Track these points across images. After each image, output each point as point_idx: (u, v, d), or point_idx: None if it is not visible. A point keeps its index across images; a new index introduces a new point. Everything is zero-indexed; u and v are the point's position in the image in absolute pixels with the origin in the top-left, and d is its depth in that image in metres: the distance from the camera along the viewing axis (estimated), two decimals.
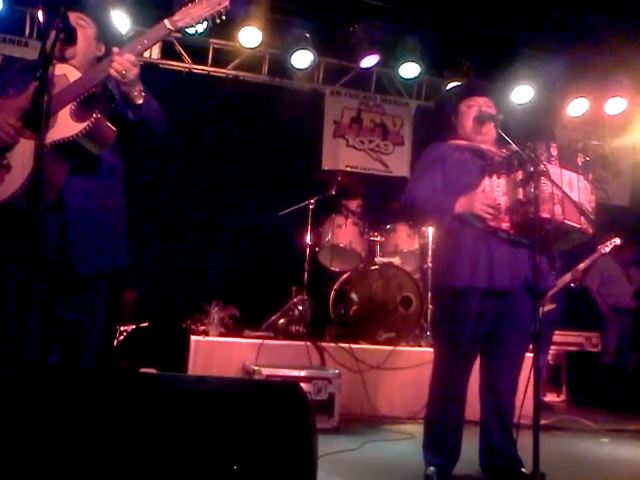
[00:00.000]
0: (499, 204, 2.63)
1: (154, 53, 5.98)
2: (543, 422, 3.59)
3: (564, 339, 6.16)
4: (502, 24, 5.78)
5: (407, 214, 3.22)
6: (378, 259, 5.21)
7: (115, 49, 2.14)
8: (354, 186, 5.54)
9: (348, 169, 6.42)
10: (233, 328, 4.70)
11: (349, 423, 4.04)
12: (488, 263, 2.66)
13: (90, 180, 2.25)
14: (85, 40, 2.28)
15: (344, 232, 5.24)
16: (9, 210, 2.09)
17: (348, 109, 6.69)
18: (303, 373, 3.90)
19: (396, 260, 5.13)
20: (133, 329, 4.67)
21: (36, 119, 1.92)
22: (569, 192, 2.57)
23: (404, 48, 6.09)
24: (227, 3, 2.14)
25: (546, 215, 2.50)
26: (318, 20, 5.89)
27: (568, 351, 6.19)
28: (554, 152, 2.60)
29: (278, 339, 4.60)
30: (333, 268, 5.39)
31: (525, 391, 2.53)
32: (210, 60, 6.23)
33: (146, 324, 4.78)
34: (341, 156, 6.60)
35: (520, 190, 2.58)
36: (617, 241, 5.45)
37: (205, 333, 4.44)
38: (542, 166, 2.51)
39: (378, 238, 5.39)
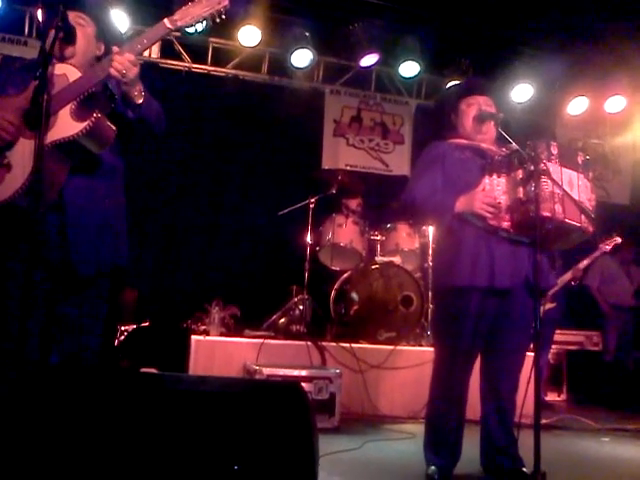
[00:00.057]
0: (499, 203, 2.63)
1: (153, 52, 5.98)
2: (544, 421, 3.59)
3: (565, 338, 6.16)
4: (502, 23, 5.78)
5: (407, 213, 3.22)
6: (379, 258, 5.21)
7: (115, 48, 2.14)
8: (354, 185, 5.54)
9: (348, 168, 6.41)
10: (234, 328, 4.69)
11: (350, 423, 4.03)
12: (488, 262, 2.65)
13: (90, 180, 2.25)
14: (85, 39, 2.28)
15: (344, 231, 5.23)
16: (9, 210, 2.08)
17: (348, 108, 6.69)
18: (304, 373, 3.90)
19: (397, 259, 5.13)
20: (134, 329, 4.67)
21: (36, 119, 1.92)
22: (569, 191, 2.57)
23: (404, 47, 6.09)
24: (227, 2, 2.14)
25: (546, 214, 2.50)
26: (318, 19, 5.88)
27: (569, 350, 6.19)
28: (554, 151, 2.60)
29: (279, 339, 4.60)
30: (334, 267, 5.38)
31: (526, 390, 2.53)
32: (210, 59, 6.23)
33: (147, 324, 4.77)
34: (341, 155, 6.60)
35: (520, 189, 2.58)
36: (617, 239, 5.45)
37: (206, 333, 4.44)
38: (542, 165, 2.51)
39: (378, 237, 5.38)
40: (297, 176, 5.94)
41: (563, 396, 6.00)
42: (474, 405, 2.85)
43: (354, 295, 4.93)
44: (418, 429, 3.20)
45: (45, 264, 2.14)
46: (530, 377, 2.40)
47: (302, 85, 6.46)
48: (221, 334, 4.47)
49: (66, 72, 2.14)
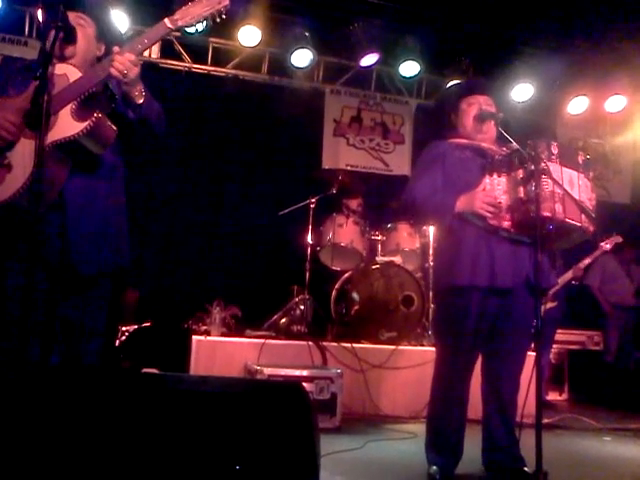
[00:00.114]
0: (500, 203, 2.63)
1: (153, 52, 5.99)
2: (545, 421, 3.60)
3: (566, 338, 6.16)
4: (502, 22, 5.78)
5: (408, 213, 3.22)
6: (379, 258, 5.21)
7: (116, 48, 2.14)
8: (355, 185, 5.54)
9: (348, 168, 6.42)
10: (235, 328, 4.69)
11: (351, 422, 4.03)
12: (489, 262, 2.65)
13: (91, 180, 2.25)
14: (85, 39, 2.28)
15: (345, 231, 5.23)
16: (10, 210, 2.08)
17: (348, 108, 6.69)
18: (305, 373, 3.89)
19: (397, 259, 5.13)
20: (135, 329, 4.67)
21: (36, 119, 1.92)
22: (570, 190, 2.57)
23: (404, 46, 6.09)
24: (227, 2, 2.14)
25: (547, 214, 2.49)
26: (318, 19, 5.88)
27: (570, 350, 6.19)
28: (555, 150, 2.60)
29: (280, 339, 4.60)
30: (334, 267, 5.39)
31: (527, 390, 2.52)
32: (210, 59, 6.23)
33: (148, 324, 4.77)
34: (341, 155, 6.60)
35: (521, 188, 2.58)
36: (618, 239, 5.45)
37: (207, 333, 4.44)
38: (543, 164, 2.50)
39: (379, 237, 5.38)
40: (297, 176, 5.94)
41: (564, 396, 5.99)
42: (475, 405, 2.85)
43: (355, 295, 4.93)
44: (420, 429, 3.20)
45: (46, 264, 2.14)
46: (531, 377, 2.39)
47: (302, 85, 6.46)
48: (222, 334, 4.48)
49: (67, 72, 2.14)
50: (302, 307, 5.01)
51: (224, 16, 2.16)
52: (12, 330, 2.05)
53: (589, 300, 6.38)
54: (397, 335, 4.84)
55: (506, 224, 2.64)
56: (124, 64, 2.09)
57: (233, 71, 6.31)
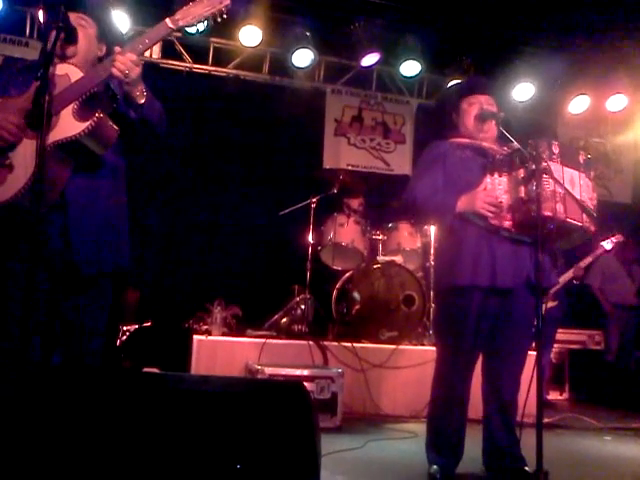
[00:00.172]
0: (501, 202, 2.63)
1: (154, 53, 5.99)
2: (546, 420, 3.59)
3: (567, 337, 6.16)
4: (503, 22, 5.78)
5: (409, 213, 3.22)
6: (380, 258, 5.21)
7: (117, 48, 2.14)
8: (356, 185, 5.54)
9: (349, 168, 6.42)
10: (236, 327, 4.70)
11: (352, 422, 4.03)
12: (490, 261, 2.65)
13: (92, 180, 2.25)
14: (86, 40, 2.28)
15: (346, 231, 5.23)
16: (12, 210, 2.09)
17: (349, 107, 6.69)
18: (306, 372, 3.90)
19: (398, 258, 5.13)
20: (136, 329, 4.68)
21: (38, 119, 1.92)
22: (571, 190, 2.56)
23: (405, 46, 6.09)
24: (228, 2, 2.14)
25: (548, 213, 2.49)
26: (318, 19, 5.89)
27: (571, 349, 6.18)
28: (556, 150, 2.60)
29: (281, 338, 4.60)
30: (335, 267, 5.39)
31: (528, 389, 2.52)
32: (210, 59, 6.23)
33: (149, 324, 4.78)
34: (342, 155, 6.60)
35: (522, 188, 2.58)
36: (619, 238, 5.44)
37: (208, 333, 4.44)
38: (544, 164, 2.50)
39: (380, 236, 5.38)
40: (298, 176, 5.94)
41: (565, 395, 5.99)
42: (476, 404, 2.85)
43: (356, 294, 4.93)
44: (420, 428, 3.20)
45: (47, 264, 2.14)
46: (532, 376, 2.40)
47: (303, 85, 6.47)
48: (223, 334, 4.48)
49: (68, 72, 2.14)
50: (303, 307, 5.02)
51: (225, 16, 2.16)
52: (13, 330, 2.06)
53: (590, 300, 6.37)
54: (398, 335, 4.84)
55: (507, 224, 2.64)
56: (126, 64, 2.09)
57: (234, 71, 6.31)
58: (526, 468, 2.69)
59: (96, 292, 2.30)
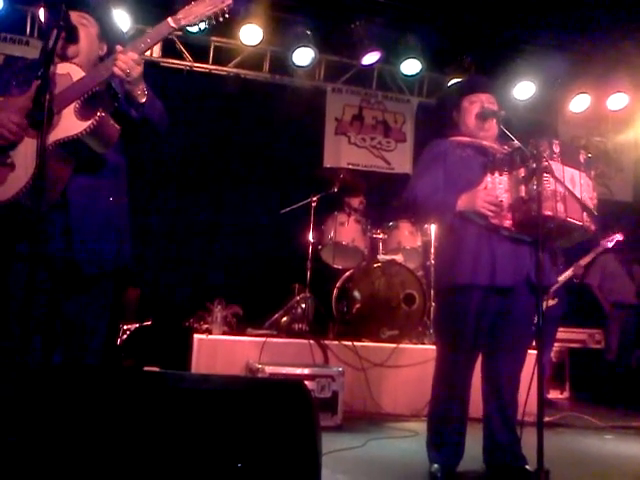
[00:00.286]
0: (501, 201, 2.63)
1: (155, 51, 5.98)
2: (547, 419, 3.59)
3: (567, 336, 6.16)
4: (503, 20, 5.77)
5: (409, 211, 3.22)
6: (381, 256, 5.21)
7: (119, 47, 2.14)
8: (356, 183, 5.54)
9: (350, 166, 6.42)
10: (236, 326, 4.70)
11: (352, 421, 4.04)
12: (490, 260, 2.65)
13: (94, 179, 2.25)
14: (88, 39, 2.28)
15: (346, 230, 5.23)
16: (13, 209, 2.09)
17: (349, 106, 6.69)
18: (306, 371, 3.90)
19: (399, 257, 5.13)
20: (136, 328, 4.68)
21: (39, 118, 1.92)
22: (571, 189, 2.56)
23: (405, 45, 6.09)
24: (230, 1, 2.14)
25: (548, 213, 2.49)
26: (319, 17, 5.88)
27: (571, 348, 6.19)
28: (556, 149, 2.60)
29: (281, 337, 4.60)
30: (336, 266, 5.39)
31: (529, 388, 2.52)
32: (211, 58, 6.23)
33: (149, 323, 4.78)
34: (343, 153, 6.60)
35: (522, 187, 2.57)
36: (619, 236, 5.44)
37: (208, 331, 4.44)
38: (545, 162, 2.50)
39: (381, 235, 5.39)
40: (299, 175, 5.95)
41: (566, 394, 5.99)
42: (477, 403, 2.86)
43: (356, 293, 4.93)
44: (421, 427, 3.21)
45: (48, 263, 2.14)
46: (533, 375, 2.40)
47: (303, 84, 6.46)
48: (223, 333, 4.48)
49: (70, 71, 2.14)
50: (303, 305, 5.02)
51: (227, 15, 2.16)
52: (14, 329, 2.06)
53: (590, 298, 6.37)
54: (398, 333, 4.84)
55: (507, 223, 2.64)
56: (127, 63, 2.09)
57: (234, 70, 6.31)
58: (527, 467, 2.69)
59: (97, 291, 2.30)
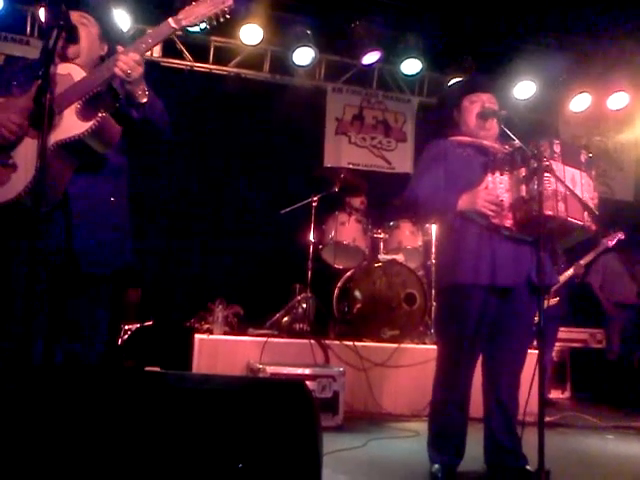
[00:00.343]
0: (502, 201, 2.63)
1: (155, 51, 5.98)
2: (548, 419, 3.60)
3: (568, 336, 6.16)
4: (504, 20, 5.77)
5: (410, 211, 3.22)
6: (381, 256, 5.21)
7: (120, 48, 2.15)
8: (357, 183, 5.53)
9: (351, 166, 6.42)
10: (237, 326, 4.70)
11: (353, 421, 4.04)
12: (490, 260, 2.65)
13: (95, 179, 2.25)
14: (89, 39, 2.28)
15: (347, 229, 5.23)
16: (15, 209, 2.09)
17: (350, 106, 6.69)
18: (307, 371, 3.90)
19: (400, 257, 5.13)
20: (137, 328, 4.68)
21: (40, 118, 1.92)
22: (572, 188, 2.56)
23: (406, 44, 6.09)
24: (231, 2, 2.14)
25: (549, 212, 2.49)
26: (319, 17, 5.88)
27: (572, 348, 6.19)
28: (557, 149, 2.59)
29: (282, 337, 4.60)
30: (336, 265, 5.38)
31: (530, 388, 2.52)
32: (211, 58, 6.23)
33: (150, 323, 4.78)
34: (343, 153, 6.59)
35: (523, 187, 2.57)
36: (620, 236, 5.44)
37: (209, 331, 4.44)
38: (546, 162, 2.50)
39: (381, 235, 5.38)
40: (299, 174, 5.94)
41: (567, 394, 5.99)
42: (478, 403, 2.85)
43: (357, 293, 4.93)
44: (422, 427, 3.20)
45: (49, 264, 2.14)
46: (534, 375, 2.40)
47: (304, 83, 6.46)
48: (224, 333, 4.48)
49: (71, 72, 2.14)
50: (304, 305, 5.01)
51: (228, 16, 2.16)
52: (15, 329, 2.06)
53: (591, 298, 6.37)
54: (399, 333, 4.84)
55: (508, 223, 2.64)
56: (128, 64, 2.09)
57: (235, 69, 6.31)
58: (528, 467, 2.69)
59: (98, 291, 2.30)
